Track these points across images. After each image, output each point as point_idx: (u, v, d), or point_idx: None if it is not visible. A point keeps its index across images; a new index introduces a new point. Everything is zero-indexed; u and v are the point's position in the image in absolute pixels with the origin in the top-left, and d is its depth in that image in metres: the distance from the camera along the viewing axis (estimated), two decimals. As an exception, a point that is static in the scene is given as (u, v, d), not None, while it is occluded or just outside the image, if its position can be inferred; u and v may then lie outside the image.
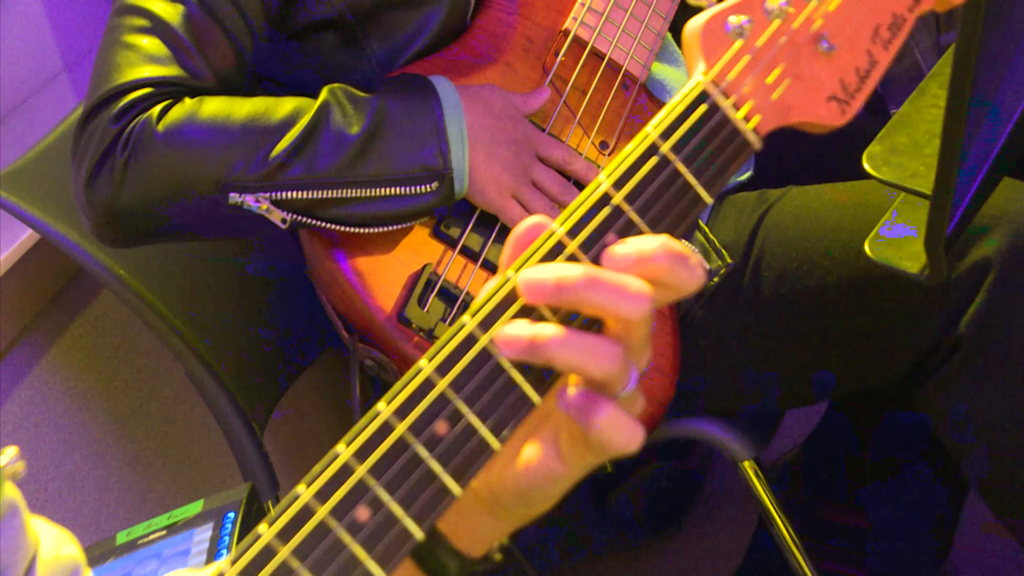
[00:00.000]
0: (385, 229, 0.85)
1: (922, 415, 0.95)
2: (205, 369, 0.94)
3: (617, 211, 0.46)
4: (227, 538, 0.80)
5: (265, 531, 0.42)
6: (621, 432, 0.46)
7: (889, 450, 1.13)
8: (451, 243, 0.87)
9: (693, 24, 0.51)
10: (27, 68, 1.10)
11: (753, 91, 0.53)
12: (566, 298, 0.45)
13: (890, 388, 0.98)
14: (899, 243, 0.73)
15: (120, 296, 0.93)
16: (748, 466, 0.97)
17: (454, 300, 0.86)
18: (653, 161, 0.47)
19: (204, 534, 0.81)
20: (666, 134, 0.48)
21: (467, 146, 0.84)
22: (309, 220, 0.83)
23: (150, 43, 0.85)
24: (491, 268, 0.88)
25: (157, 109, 0.83)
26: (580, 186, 0.88)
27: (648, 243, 0.44)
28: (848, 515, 1.16)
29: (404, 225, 0.86)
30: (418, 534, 0.45)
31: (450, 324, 0.86)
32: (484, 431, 0.47)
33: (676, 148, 0.48)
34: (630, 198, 0.46)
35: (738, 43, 0.53)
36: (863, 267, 0.90)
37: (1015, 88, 0.73)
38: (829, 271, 0.92)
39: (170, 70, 0.85)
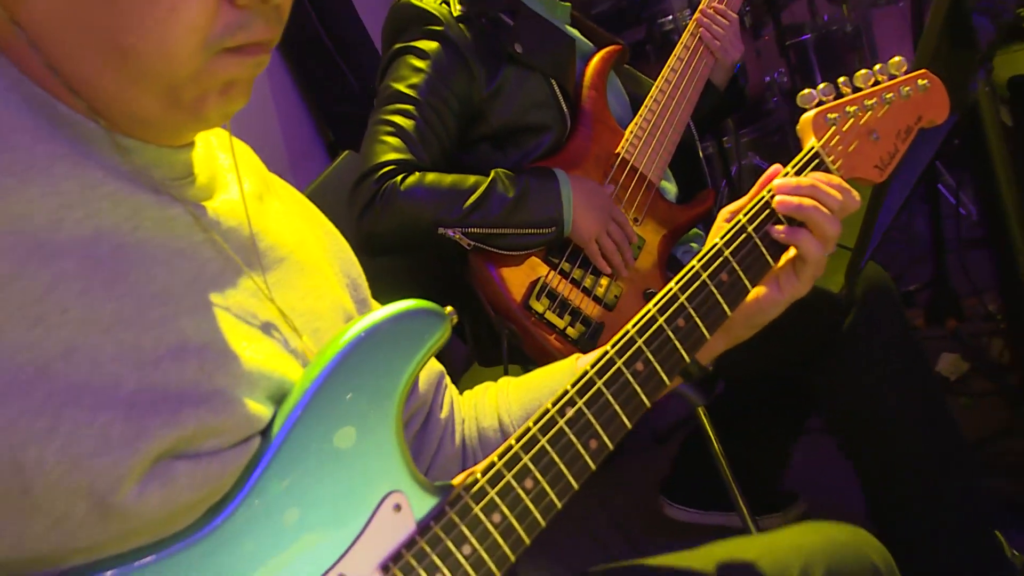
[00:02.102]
0: (520, 253, 1.49)
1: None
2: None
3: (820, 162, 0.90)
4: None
5: (631, 330, 0.80)
6: (813, 246, 0.84)
7: (777, 420, 1.82)
8: (554, 266, 1.51)
9: (806, 116, 0.92)
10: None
11: (840, 155, 0.90)
12: (801, 191, 0.85)
13: (789, 372, 1.64)
14: (827, 274, 1.23)
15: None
16: (701, 410, 1.63)
17: (555, 298, 1.50)
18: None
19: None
20: (799, 172, 0.90)
21: (572, 207, 1.48)
22: (482, 245, 1.46)
23: (394, 140, 1.47)
24: (576, 284, 1.52)
25: (399, 178, 1.44)
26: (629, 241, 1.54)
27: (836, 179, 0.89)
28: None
29: (530, 251, 1.50)
30: (708, 336, 0.82)
31: (554, 312, 1.50)
32: (745, 280, 0.84)
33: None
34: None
35: (832, 128, 0.91)
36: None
37: (898, 193, 1.37)
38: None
39: (406, 156, 1.46)
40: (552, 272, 1.51)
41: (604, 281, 1.53)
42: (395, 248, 1.46)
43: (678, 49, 1.65)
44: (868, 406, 1.49)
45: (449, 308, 0.75)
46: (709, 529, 1.91)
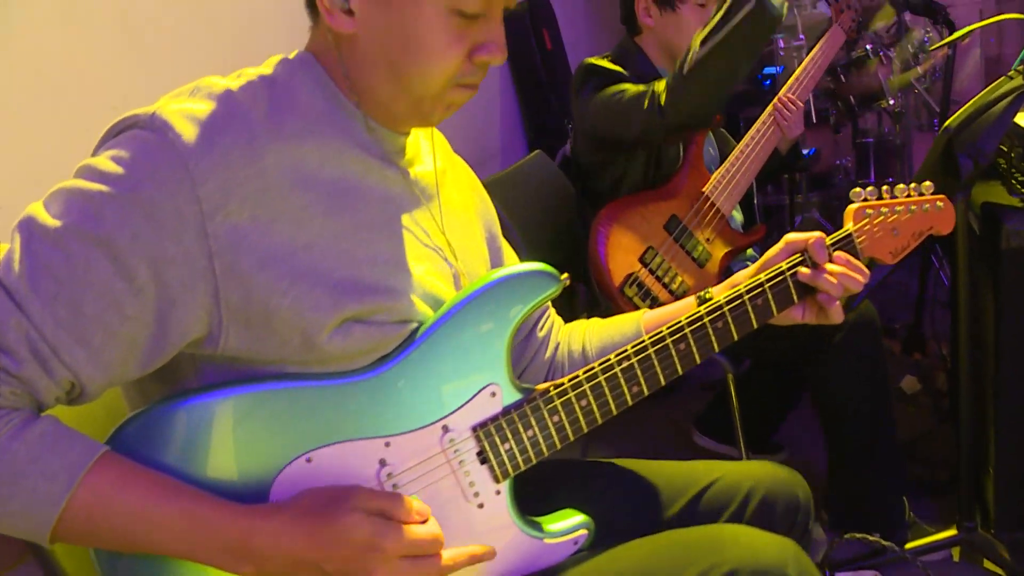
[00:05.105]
0: (623, 255, 2.19)
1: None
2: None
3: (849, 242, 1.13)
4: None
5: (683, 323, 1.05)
6: (835, 286, 1.07)
7: (780, 393, 2.52)
8: (645, 265, 2.20)
9: (852, 207, 1.15)
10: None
11: (867, 238, 1.14)
12: (831, 272, 1.08)
13: (793, 362, 2.33)
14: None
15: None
16: (729, 376, 2.29)
17: (643, 288, 2.17)
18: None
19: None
20: (833, 244, 1.12)
21: None
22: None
23: (626, 89, 2.16)
24: (659, 279, 2.20)
25: (651, 92, 2.13)
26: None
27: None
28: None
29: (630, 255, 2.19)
30: (735, 337, 1.07)
31: (640, 298, 2.18)
32: (773, 306, 1.09)
33: (841, 248, 1.12)
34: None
35: (866, 219, 1.15)
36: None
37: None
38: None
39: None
40: (644, 269, 2.18)
41: (678, 280, 2.21)
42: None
43: (757, 123, 2.29)
44: (841, 395, 2.11)
45: (565, 275, 0.98)
46: (718, 455, 2.66)
